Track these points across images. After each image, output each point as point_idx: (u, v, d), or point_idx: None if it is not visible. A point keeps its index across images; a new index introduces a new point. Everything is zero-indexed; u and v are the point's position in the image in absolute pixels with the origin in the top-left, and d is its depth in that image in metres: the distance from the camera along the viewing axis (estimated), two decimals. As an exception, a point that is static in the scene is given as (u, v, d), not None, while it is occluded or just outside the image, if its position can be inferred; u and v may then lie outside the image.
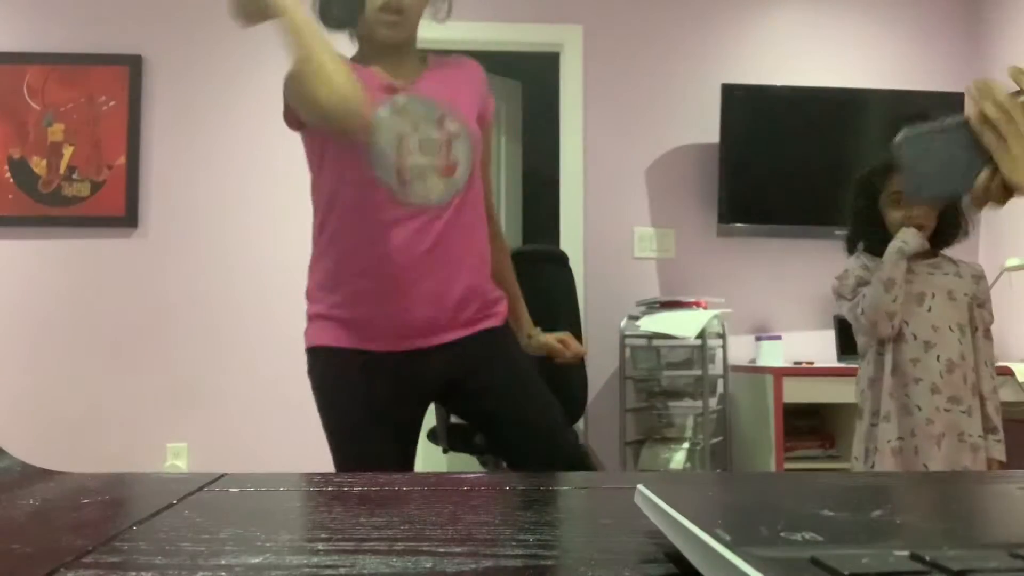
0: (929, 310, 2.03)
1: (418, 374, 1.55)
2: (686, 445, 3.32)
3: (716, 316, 3.31)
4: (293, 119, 1.56)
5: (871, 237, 2.10)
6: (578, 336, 3.17)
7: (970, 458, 1.99)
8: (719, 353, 3.46)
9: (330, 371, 1.56)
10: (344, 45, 1.57)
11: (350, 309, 1.53)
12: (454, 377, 1.58)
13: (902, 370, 2.02)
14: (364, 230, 1.50)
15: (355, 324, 1.53)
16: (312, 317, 1.58)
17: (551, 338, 1.75)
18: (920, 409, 1.99)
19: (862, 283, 2.08)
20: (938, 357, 2.00)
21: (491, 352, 1.60)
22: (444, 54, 1.69)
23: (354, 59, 1.59)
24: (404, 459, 1.58)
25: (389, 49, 1.57)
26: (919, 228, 2.01)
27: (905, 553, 0.24)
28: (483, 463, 3.08)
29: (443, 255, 1.51)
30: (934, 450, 1.98)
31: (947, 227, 2.07)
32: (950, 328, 2.01)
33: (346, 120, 1.40)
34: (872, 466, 2.06)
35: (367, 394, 1.53)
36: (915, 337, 2.02)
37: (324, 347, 1.55)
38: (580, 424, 3.45)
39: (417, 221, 1.50)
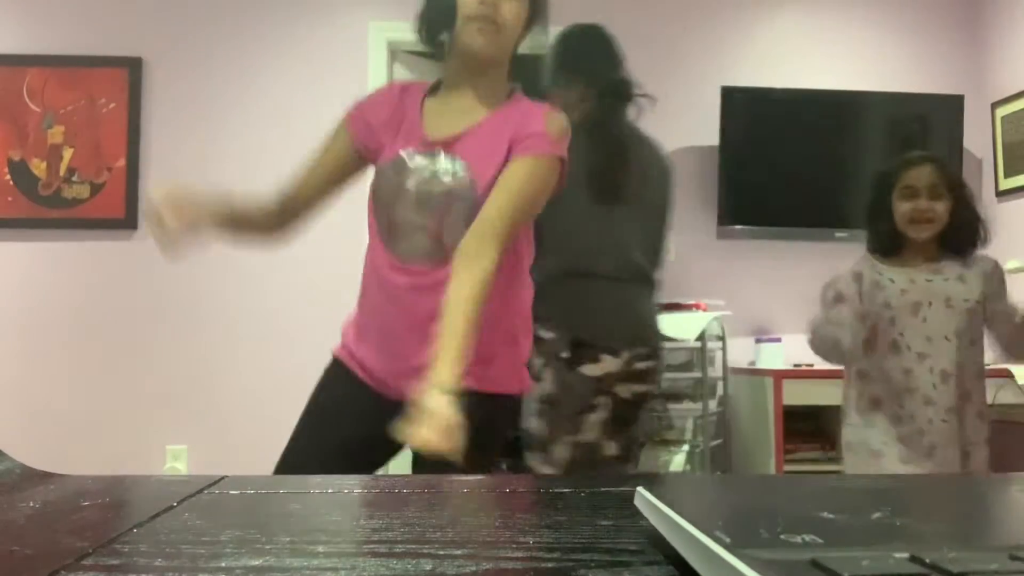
0: (924, 320, 1.99)
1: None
2: (686, 447, 3.32)
3: (716, 318, 3.31)
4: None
5: (878, 230, 2.08)
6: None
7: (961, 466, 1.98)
8: (719, 355, 3.45)
9: (329, 372, 1.59)
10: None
11: (357, 341, 1.55)
12: None
13: (895, 380, 2.00)
14: (372, 272, 1.51)
15: (358, 354, 1.54)
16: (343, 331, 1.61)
17: (425, 415, 1.21)
18: (913, 419, 1.97)
19: (839, 298, 2.05)
20: (931, 368, 1.97)
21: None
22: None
23: (435, 86, 1.52)
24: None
25: (476, 67, 1.46)
26: (927, 223, 1.99)
27: (905, 555, 0.24)
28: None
29: (428, 316, 1.36)
30: (924, 462, 1.96)
31: (961, 229, 2.02)
32: (946, 338, 1.97)
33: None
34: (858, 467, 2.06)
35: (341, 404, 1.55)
36: (909, 348, 1.99)
37: (336, 358, 1.58)
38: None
39: (410, 277, 1.45)
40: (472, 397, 1.30)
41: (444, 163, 1.43)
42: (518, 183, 1.39)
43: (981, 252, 2.06)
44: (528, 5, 1.47)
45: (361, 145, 1.51)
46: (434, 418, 1.19)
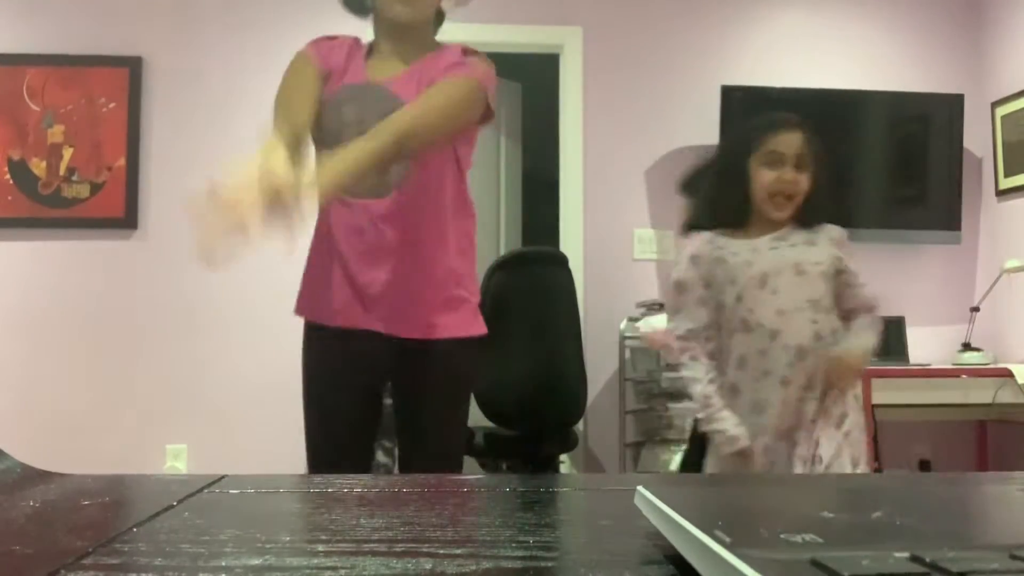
0: (774, 292, 1.78)
1: (363, 353, 1.60)
2: (686, 446, 3.32)
3: (716, 317, 3.31)
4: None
5: (727, 200, 1.86)
6: (577, 339, 3.17)
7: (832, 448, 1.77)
8: (719, 354, 3.45)
9: (310, 345, 1.70)
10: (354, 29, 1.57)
11: (317, 290, 1.63)
12: (390, 369, 1.62)
13: (749, 363, 1.80)
14: (325, 213, 1.59)
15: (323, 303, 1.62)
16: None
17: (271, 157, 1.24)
18: (772, 406, 1.78)
19: (680, 288, 1.88)
20: (785, 346, 1.77)
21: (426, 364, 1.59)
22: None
23: (369, 47, 1.64)
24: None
25: (400, 30, 1.58)
26: (789, 197, 1.81)
27: (905, 554, 0.24)
28: (482, 465, 3.08)
29: (379, 246, 1.53)
30: (783, 447, 1.79)
31: (817, 206, 1.85)
32: (799, 309, 1.78)
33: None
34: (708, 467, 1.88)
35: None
36: (761, 325, 1.79)
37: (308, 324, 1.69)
38: (580, 425, 3.45)
39: (354, 211, 1.54)
40: (446, 344, 1.54)
41: (382, 96, 1.53)
42: (429, 95, 1.47)
43: (825, 224, 1.89)
44: None
45: (322, 68, 1.60)
46: (269, 167, 1.15)
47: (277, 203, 1.12)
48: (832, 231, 1.88)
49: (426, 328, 1.57)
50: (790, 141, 1.81)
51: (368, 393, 1.65)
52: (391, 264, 1.54)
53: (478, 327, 1.63)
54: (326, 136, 1.54)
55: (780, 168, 1.80)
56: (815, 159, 1.83)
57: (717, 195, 1.89)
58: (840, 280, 1.84)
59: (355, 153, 1.35)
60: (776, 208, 1.82)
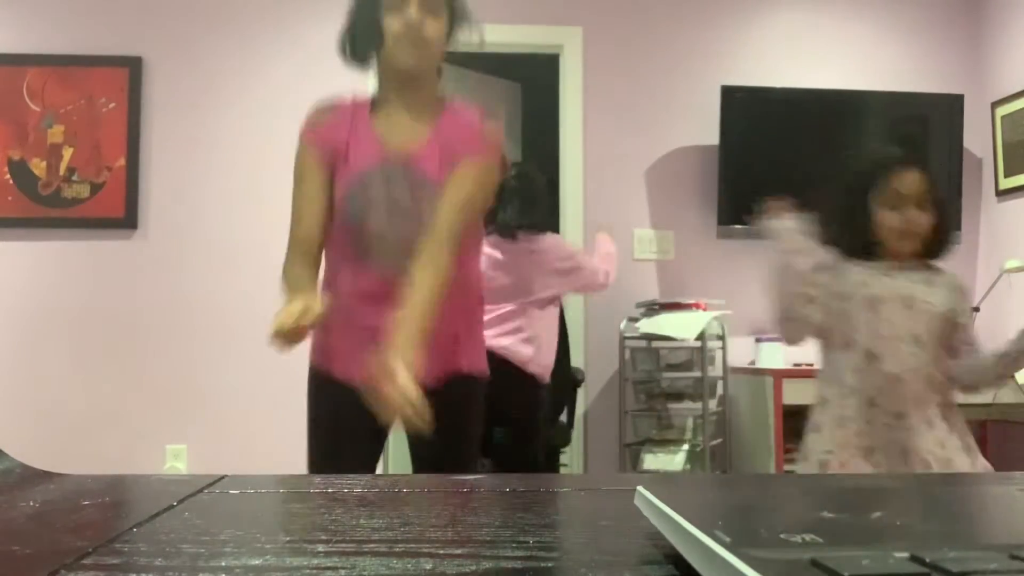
0: (880, 318, 1.84)
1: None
2: (686, 447, 3.32)
3: (716, 318, 3.31)
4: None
5: (853, 239, 1.91)
6: (568, 342, 3.18)
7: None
8: (719, 355, 3.45)
9: (315, 385, 1.73)
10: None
11: (329, 347, 1.65)
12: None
13: (843, 380, 1.86)
14: (338, 277, 1.63)
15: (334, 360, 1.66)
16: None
17: (392, 373, 1.34)
18: (853, 421, 1.83)
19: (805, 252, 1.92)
20: (880, 370, 1.81)
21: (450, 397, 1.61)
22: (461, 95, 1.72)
23: (373, 101, 1.63)
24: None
25: (407, 82, 1.58)
26: (913, 236, 1.85)
27: (905, 555, 0.24)
28: (481, 465, 3.08)
29: (393, 302, 1.54)
30: (862, 465, 1.81)
31: (939, 241, 1.90)
32: (900, 339, 1.82)
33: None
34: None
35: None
36: (860, 346, 1.84)
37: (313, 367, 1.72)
38: (580, 425, 3.45)
39: (380, 283, 1.57)
40: (455, 379, 1.58)
41: (409, 174, 1.55)
42: (464, 190, 1.53)
43: (947, 270, 1.95)
44: (448, 19, 1.59)
45: (327, 162, 1.60)
46: (399, 386, 1.30)
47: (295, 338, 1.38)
48: (955, 279, 1.93)
49: (443, 367, 1.61)
50: (911, 181, 1.86)
51: (376, 436, 1.67)
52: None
53: (485, 365, 1.70)
54: (352, 216, 1.56)
55: (903, 208, 1.85)
56: (936, 197, 1.88)
57: (840, 233, 1.94)
58: (952, 327, 1.88)
59: (416, 323, 1.43)
60: (900, 246, 1.87)
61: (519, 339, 2.69)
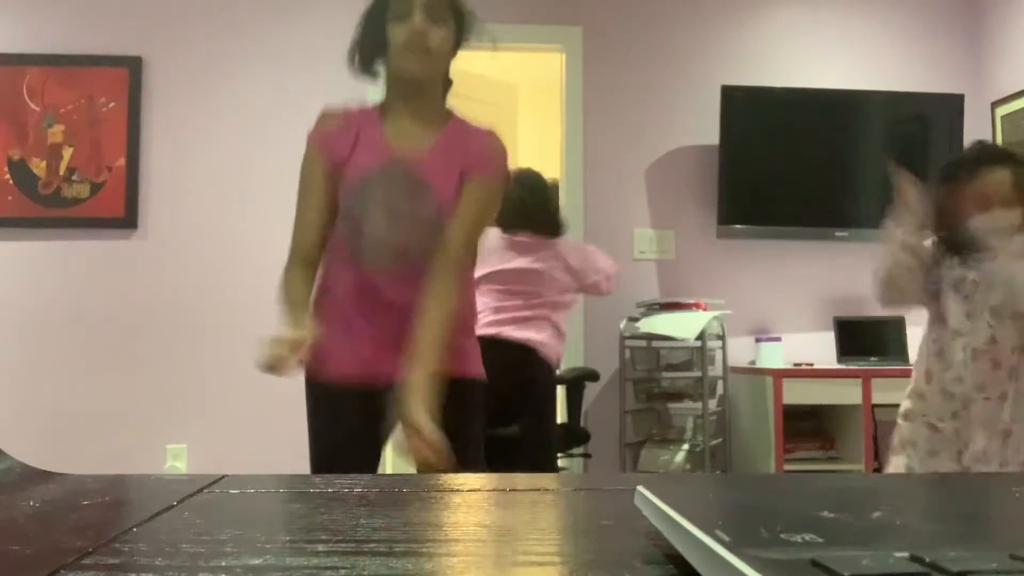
0: (965, 297, 1.97)
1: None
2: (686, 446, 3.32)
3: (716, 317, 3.31)
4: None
5: (951, 239, 2.02)
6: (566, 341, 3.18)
7: (1000, 446, 1.93)
8: (719, 354, 3.45)
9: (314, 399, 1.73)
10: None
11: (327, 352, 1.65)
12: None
13: (937, 354, 2.00)
14: (337, 273, 1.64)
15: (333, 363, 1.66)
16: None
17: (417, 427, 1.39)
18: (953, 397, 1.96)
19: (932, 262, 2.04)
20: (964, 346, 1.94)
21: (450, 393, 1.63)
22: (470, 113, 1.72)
23: (379, 107, 1.65)
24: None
25: (412, 90, 1.60)
26: (1004, 232, 1.96)
27: (905, 554, 0.24)
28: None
29: (386, 314, 1.59)
30: (977, 435, 1.94)
31: None
32: (983, 313, 1.93)
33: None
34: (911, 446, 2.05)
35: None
36: (947, 322, 1.98)
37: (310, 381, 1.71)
38: (580, 425, 3.45)
39: (376, 277, 1.59)
40: (452, 383, 1.55)
41: (410, 179, 1.57)
42: (474, 212, 1.59)
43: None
44: (454, 28, 1.60)
45: (333, 169, 1.62)
46: (426, 439, 1.36)
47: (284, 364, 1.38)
48: None
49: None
50: (998, 181, 1.94)
51: (377, 439, 1.68)
52: (405, 317, 1.59)
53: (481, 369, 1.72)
54: (353, 215, 1.58)
55: (990, 206, 1.94)
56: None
57: (937, 230, 2.05)
58: None
59: (431, 361, 1.47)
60: (1001, 242, 1.96)
61: (537, 330, 2.73)
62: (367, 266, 1.59)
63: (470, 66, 3.66)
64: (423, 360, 1.46)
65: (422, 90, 1.60)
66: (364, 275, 1.59)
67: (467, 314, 1.73)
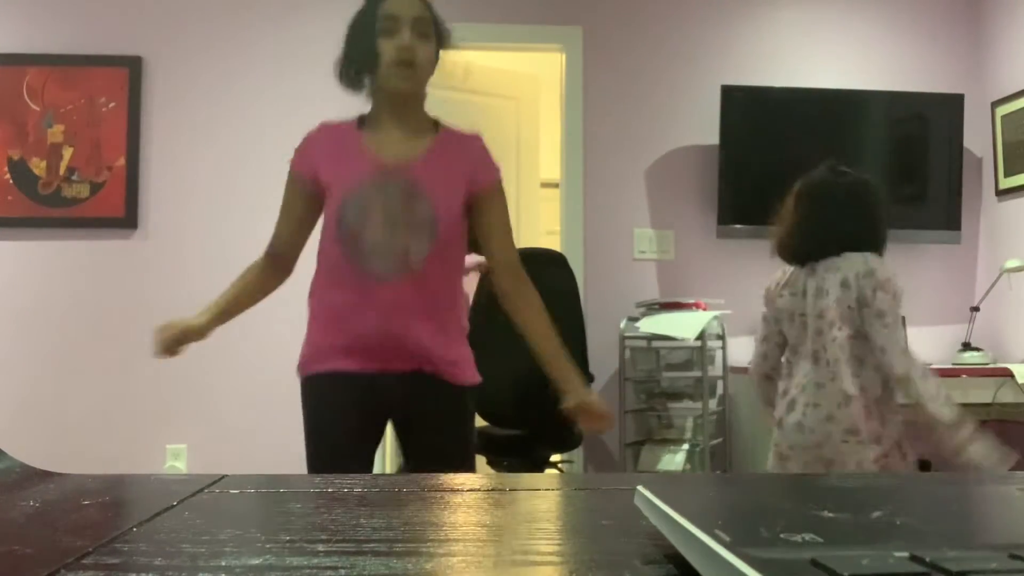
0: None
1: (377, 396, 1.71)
2: (686, 446, 3.32)
3: (716, 317, 3.31)
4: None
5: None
6: (581, 338, 3.18)
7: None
8: (719, 354, 3.45)
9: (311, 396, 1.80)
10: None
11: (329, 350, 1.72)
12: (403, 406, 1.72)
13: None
14: (335, 283, 1.70)
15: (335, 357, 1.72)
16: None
17: (588, 404, 1.66)
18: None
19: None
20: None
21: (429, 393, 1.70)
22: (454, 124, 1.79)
23: (365, 118, 1.73)
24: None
25: (399, 102, 1.68)
26: None
27: (905, 554, 0.24)
28: (490, 463, 3.08)
29: (388, 322, 1.65)
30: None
31: None
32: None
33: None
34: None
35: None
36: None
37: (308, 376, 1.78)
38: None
39: (376, 282, 1.65)
40: (450, 389, 1.68)
41: (405, 186, 1.64)
42: (505, 218, 1.73)
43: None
44: (436, 43, 1.69)
45: (312, 183, 1.71)
46: (602, 407, 1.65)
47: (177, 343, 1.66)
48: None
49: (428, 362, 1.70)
50: None
51: (373, 430, 1.73)
52: (406, 321, 1.66)
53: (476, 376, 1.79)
54: (348, 226, 1.63)
55: None
56: None
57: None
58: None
59: (564, 361, 1.70)
60: None
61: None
62: (369, 276, 1.64)
63: (487, 61, 3.65)
64: (559, 357, 1.67)
65: (408, 102, 1.68)
66: (365, 285, 1.64)
67: (464, 321, 1.79)
